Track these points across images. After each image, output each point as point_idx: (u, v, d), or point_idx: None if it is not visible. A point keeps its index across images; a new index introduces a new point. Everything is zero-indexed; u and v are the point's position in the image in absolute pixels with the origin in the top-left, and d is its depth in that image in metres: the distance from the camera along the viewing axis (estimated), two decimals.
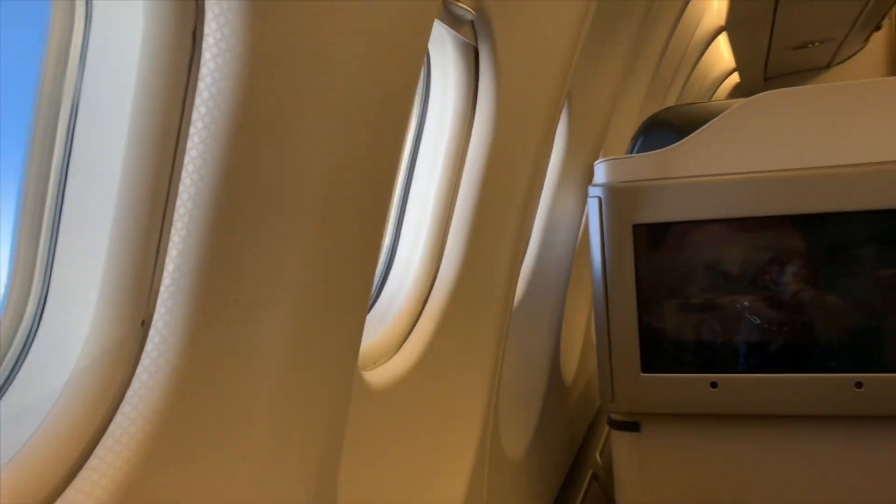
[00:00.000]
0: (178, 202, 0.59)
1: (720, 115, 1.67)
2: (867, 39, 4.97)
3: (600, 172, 1.77)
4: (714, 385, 1.65)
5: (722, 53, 4.66)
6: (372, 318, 1.29)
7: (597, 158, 2.05)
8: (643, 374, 1.70)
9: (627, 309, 1.70)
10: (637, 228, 1.69)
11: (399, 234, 1.34)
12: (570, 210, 2.15)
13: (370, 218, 0.84)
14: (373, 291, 1.33)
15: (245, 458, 0.68)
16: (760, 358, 1.66)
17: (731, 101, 1.78)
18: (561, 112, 1.61)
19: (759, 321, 1.66)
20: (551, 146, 1.64)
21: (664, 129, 1.78)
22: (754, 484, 1.69)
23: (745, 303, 1.66)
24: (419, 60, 0.88)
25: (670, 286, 1.71)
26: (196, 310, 0.60)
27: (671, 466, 1.74)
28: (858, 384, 1.57)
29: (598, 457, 2.61)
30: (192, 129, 0.59)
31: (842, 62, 5.55)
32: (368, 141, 0.77)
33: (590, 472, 2.49)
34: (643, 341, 1.70)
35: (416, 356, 1.27)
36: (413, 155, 1.33)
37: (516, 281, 1.57)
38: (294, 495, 0.78)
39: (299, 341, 0.74)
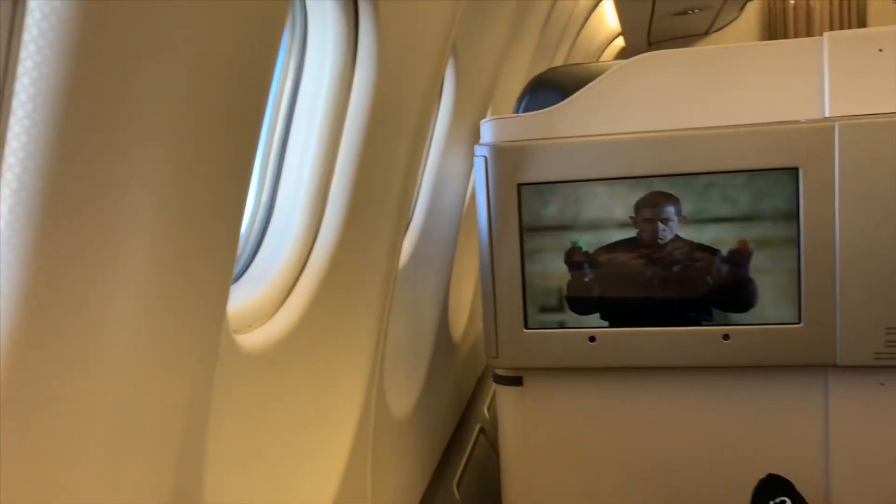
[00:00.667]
0: (8, 151, 0.53)
1: (601, 76, 1.69)
2: (742, 9, 5.21)
3: (486, 131, 1.77)
4: (592, 339, 1.70)
5: (608, 18, 4.75)
6: (248, 280, 1.25)
7: (484, 117, 2.05)
8: (526, 331, 1.73)
9: (511, 266, 1.72)
10: (522, 188, 1.71)
11: (277, 191, 1.29)
12: (459, 169, 2.14)
13: (233, 171, 0.80)
14: (249, 251, 1.28)
15: (90, 436, 0.64)
16: (636, 313, 1.72)
17: (613, 62, 1.81)
18: (446, 67, 1.59)
19: (636, 278, 1.71)
20: (436, 102, 1.62)
21: (548, 88, 1.79)
22: (631, 432, 1.76)
23: (624, 260, 1.71)
24: (284, 10, 0.83)
25: (552, 244, 1.74)
26: (29, 278, 0.55)
27: (552, 418, 1.79)
28: (726, 336, 1.66)
29: (485, 411, 2.66)
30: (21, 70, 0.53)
31: (719, 29, 5.80)
32: (227, 94, 0.72)
33: (478, 426, 2.54)
34: (526, 298, 1.73)
35: (297, 317, 1.24)
36: (290, 110, 1.28)
37: (402, 239, 1.55)
38: (153, 471, 0.74)
39: (154, 303, 0.69)
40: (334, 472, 1.36)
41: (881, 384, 1.66)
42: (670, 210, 1.70)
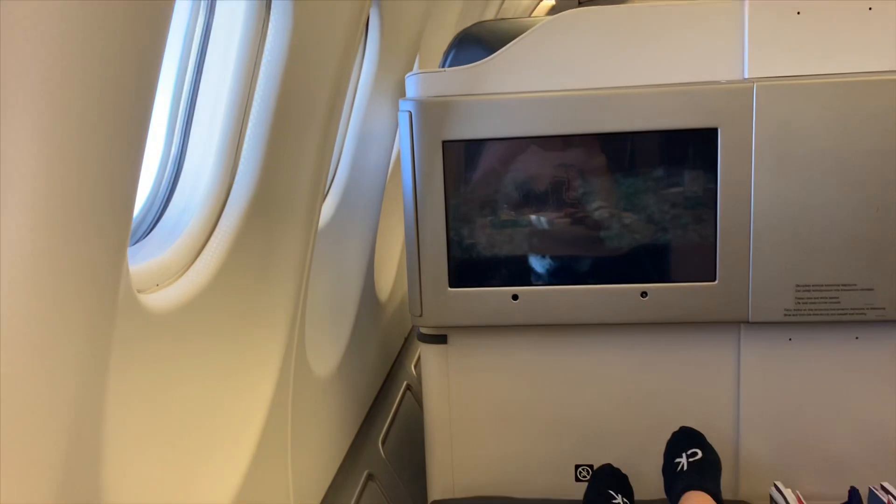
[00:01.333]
0: None
1: (526, 33, 1.67)
2: None
3: (411, 86, 1.73)
4: (515, 297, 1.71)
5: None
6: (156, 237, 1.20)
7: (411, 71, 2.01)
8: (450, 290, 1.72)
9: (436, 225, 1.70)
10: (447, 144, 1.68)
11: (186, 144, 1.23)
12: (385, 124, 2.10)
13: (129, 114, 0.75)
14: (157, 207, 1.23)
15: None
16: (558, 271, 1.73)
17: (539, 17, 1.79)
18: (366, 16, 1.54)
19: (558, 237, 1.72)
20: (355, 53, 1.57)
21: (475, 43, 1.76)
22: (551, 387, 1.79)
23: (546, 219, 1.72)
24: None
25: (477, 203, 1.73)
26: None
27: (475, 375, 1.80)
28: (643, 294, 1.69)
29: (413, 369, 2.67)
30: None
31: None
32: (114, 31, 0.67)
33: (404, 383, 2.55)
34: (451, 257, 1.72)
35: (209, 276, 1.20)
36: (200, 58, 1.22)
37: (321, 195, 1.51)
38: (39, 447, 0.71)
39: (37, 259, 0.65)
40: (252, 433, 1.34)
41: (790, 339, 1.72)
42: (593, 170, 1.70)
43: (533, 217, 1.73)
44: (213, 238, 1.22)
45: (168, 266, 1.16)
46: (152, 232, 1.20)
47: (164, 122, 1.22)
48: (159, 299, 1.09)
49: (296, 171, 1.38)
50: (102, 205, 0.74)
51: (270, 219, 1.33)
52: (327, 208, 1.84)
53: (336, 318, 1.91)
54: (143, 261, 1.12)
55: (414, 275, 1.73)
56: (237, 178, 1.25)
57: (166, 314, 1.09)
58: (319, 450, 1.71)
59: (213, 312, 1.20)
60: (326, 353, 1.79)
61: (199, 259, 1.20)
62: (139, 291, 1.05)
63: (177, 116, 1.23)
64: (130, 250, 1.16)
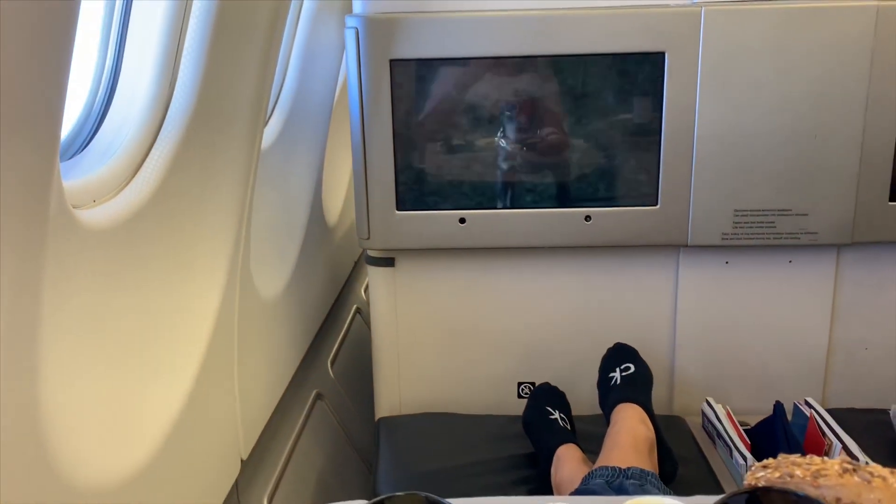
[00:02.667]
0: None
1: None
2: None
3: (358, 1, 1.68)
4: (462, 221, 1.72)
5: None
6: (92, 152, 1.17)
7: None
8: (397, 213, 1.72)
9: (383, 147, 1.69)
10: (394, 64, 1.66)
11: (121, 56, 1.19)
12: (332, 42, 2.05)
13: (49, 21, 0.72)
14: (92, 122, 1.19)
15: None
16: (504, 195, 1.74)
17: None
18: None
19: (505, 161, 1.73)
20: None
21: None
22: (497, 308, 1.83)
23: (493, 142, 1.72)
24: None
25: (425, 125, 1.71)
26: None
27: (422, 297, 1.83)
28: (587, 218, 1.71)
29: (363, 293, 2.68)
30: None
31: None
32: None
33: (354, 307, 2.57)
34: (398, 180, 1.71)
35: (149, 192, 1.17)
36: None
37: (264, 112, 1.48)
38: None
39: None
40: (196, 353, 1.34)
41: (726, 263, 1.78)
42: (541, 96, 1.70)
43: (480, 141, 1.73)
44: (151, 155, 1.19)
45: (105, 182, 1.13)
46: (88, 147, 1.17)
47: (97, 34, 1.17)
48: (96, 215, 1.07)
49: (237, 87, 1.34)
50: (26, 112, 0.71)
51: (212, 136, 1.30)
52: (272, 128, 1.80)
53: (283, 240, 1.90)
54: (78, 176, 1.09)
55: (361, 198, 1.72)
56: (175, 92, 1.21)
57: (104, 231, 1.07)
58: (267, 370, 1.72)
59: (153, 230, 1.18)
60: (273, 274, 1.79)
61: (137, 176, 1.17)
62: (75, 207, 1.03)
63: (111, 28, 1.18)
64: (65, 165, 1.13)
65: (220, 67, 1.25)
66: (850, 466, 0.80)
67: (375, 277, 1.84)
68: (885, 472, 0.80)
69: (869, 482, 0.78)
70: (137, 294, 1.17)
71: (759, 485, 0.82)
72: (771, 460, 0.85)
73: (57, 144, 0.81)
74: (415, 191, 1.74)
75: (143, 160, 1.19)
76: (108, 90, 1.19)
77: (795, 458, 0.84)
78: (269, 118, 1.83)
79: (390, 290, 1.83)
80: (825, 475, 0.80)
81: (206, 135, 1.27)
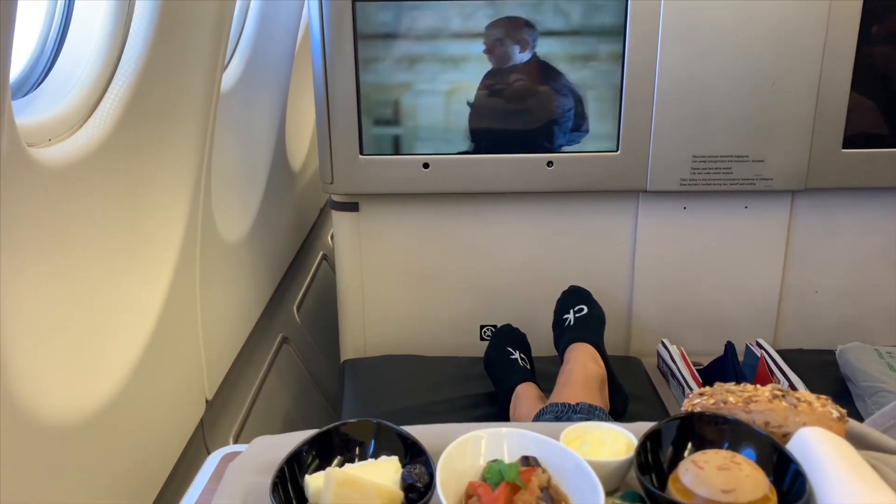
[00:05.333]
0: None
1: None
2: None
3: None
4: (426, 166, 1.73)
5: None
6: (47, 90, 1.15)
7: None
8: (361, 157, 1.73)
9: (346, 89, 1.68)
10: (357, 4, 1.64)
11: None
12: None
13: None
14: (46, 59, 1.17)
15: None
16: (468, 140, 1.75)
17: None
18: None
19: (468, 106, 1.73)
20: None
21: None
22: (459, 252, 1.85)
23: (457, 87, 1.72)
24: None
25: (388, 67, 1.71)
26: None
27: (386, 241, 1.84)
28: (550, 163, 1.73)
29: (329, 239, 2.69)
30: None
31: None
32: None
33: (320, 253, 2.58)
34: (361, 124, 1.71)
35: (106, 132, 1.17)
36: None
37: (223, 55, 1.47)
38: None
39: None
40: (158, 293, 1.35)
41: (684, 208, 1.82)
42: (508, 37, 1.70)
43: (445, 85, 1.73)
44: (107, 94, 1.18)
45: (60, 121, 1.12)
46: (41, 85, 1.16)
47: None
48: (52, 154, 1.06)
49: (195, 26, 1.33)
50: None
51: (169, 76, 1.29)
52: (232, 72, 1.79)
53: (245, 184, 1.90)
54: (32, 115, 1.08)
55: (324, 141, 1.72)
56: (131, 30, 1.19)
57: (60, 170, 1.06)
58: (231, 314, 1.74)
59: (111, 171, 1.17)
60: (236, 219, 1.79)
61: (93, 115, 1.16)
62: (30, 146, 1.02)
63: None
64: (18, 103, 1.12)
65: (178, 6, 1.23)
66: (779, 393, 0.85)
67: (340, 222, 1.85)
68: (812, 397, 0.85)
69: (795, 407, 0.83)
70: (97, 235, 1.17)
71: (695, 411, 0.87)
72: (707, 388, 0.89)
73: (5, 80, 0.80)
74: (378, 135, 1.74)
75: (100, 99, 1.18)
76: (62, 26, 1.18)
77: (730, 386, 0.89)
78: (230, 62, 1.81)
79: (354, 235, 1.85)
80: (756, 401, 0.84)
81: (164, 75, 1.26)
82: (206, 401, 1.56)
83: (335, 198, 1.83)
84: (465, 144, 1.76)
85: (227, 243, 1.69)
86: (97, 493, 1.12)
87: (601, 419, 1.23)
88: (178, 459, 1.40)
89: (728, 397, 0.86)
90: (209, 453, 1.18)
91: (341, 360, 1.91)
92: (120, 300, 1.25)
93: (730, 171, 1.74)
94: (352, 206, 1.83)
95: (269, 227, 2.01)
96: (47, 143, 1.08)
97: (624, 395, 1.50)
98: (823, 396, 0.87)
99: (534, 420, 1.30)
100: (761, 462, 0.81)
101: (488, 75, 1.71)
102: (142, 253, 1.31)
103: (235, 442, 1.64)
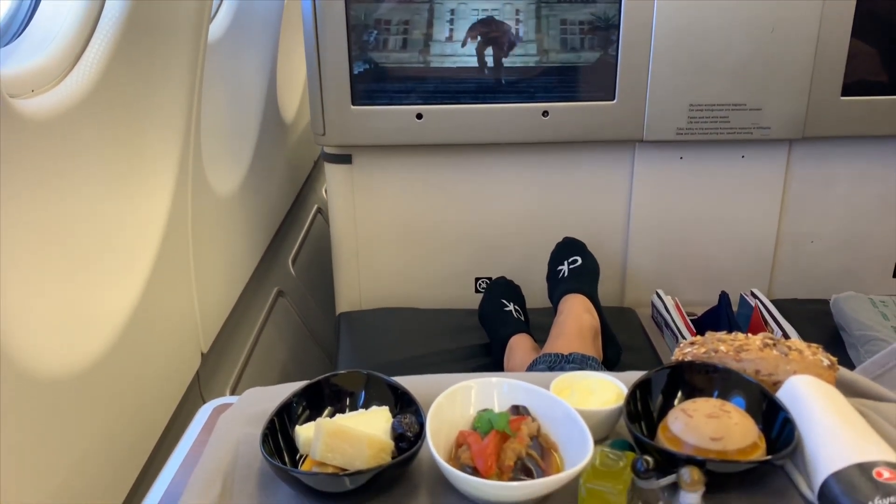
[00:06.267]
0: None
1: None
2: None
3: None
4: (419, 116, 1.71)
5: None
6: (28, 40, 1.13)
7: None
8: (353, 107, 1.70)
9: (337, 38, 1.65)
10: None
11: None
12: None
13: None
14: (27, 7, 1.14)
15: None
16: (462, 90, 1.72)
17: None
18: None
19: (463, 55, 1.70)
20: None
21: None
22: (454, 204, 1.84)
23: (451, 35, 1.69)
24: None
25: (381, 15, 1.67)
26: None
27: (380, 194, 1.83)
28: (545, 113, 1.71)
29: (324, 192, 2.68)
30: None
31: None
32: None
33: (315, 206, 2.57)
34: (353, 73, 1.68)
35: (91, 82, 1.14)
36: None
37: (210, 1, 1.43)
38: None
39: None
40: (150, 246, 1.34)
41: (681, 158, 1.80)
42: None
43: (438, 34, 1.70)
44: (91, 43, 1.16)
45: (43, 71, 1.10)
46: (23, 34, 1.13)
47: None
48: (36, 105, 1.04)
49: None
50: None
51: (155, 25, 1.26)
52: (220, 22, 1.75)
53: (236, 137, 1.88)
54: (14, 65, 1.06)
55: (315, 91, 1.70)
56: None
57: (44, 122, 1.05)
58: (225, 267, 1.73)
59: (97, 123, 1.16)
60: (227, 172, 1.77)
61: (77, 65, 1.14)
62: (11, 97, 1.00)
63: None
64: None
65: None
66: (770, 341, 0.85)
67: (333, 175, 1.84)
68: (803, 346, 0.85)
69: (786, 355, 0.83)
70: (85, 189, 1.16)
71: (685, 360, 0.87)
72: (698, 337, 0.89)
73: None
74: (370, 84, 1.71)
75: (83, 49, 1.15)
76: None
77: (721, 335, 0.89)
78: (217, 12, 1.77)
79: (348, 187, 1.83)
80: (747, 350, 0.84)
81: (149, 24, 1.23)
82: (202, 354, 1.56)
83: (328, 150, 1.81)
84: (459, 94, 1.73)
85: (218, 196, 1.68)
86: (94, 446, 1.13)
87: (594, 369, 1.23)
88: (174, 412, 1.41)
89: (719, 346, 0.86)
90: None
91: (337, 313, 1.91)
92: (111, 254, 1.24)
93: (727, 119, 1.72)
94: (345, 159, 1.81)
95: (262, 181, 1.99)
96: (30, 94, 1.06)
97: (617, 346, 1.51)
98: (814, 345, 0.87)
99: (527, 370, 1.31)
100: (751, 410, 0.81)
101: (482, 23, 1.68)
102: (132, 206, 1.30)
103: (232, 394, 1.65)
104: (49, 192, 1.07)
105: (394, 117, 1.72)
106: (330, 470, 0.75)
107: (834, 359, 0.87)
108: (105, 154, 1.21)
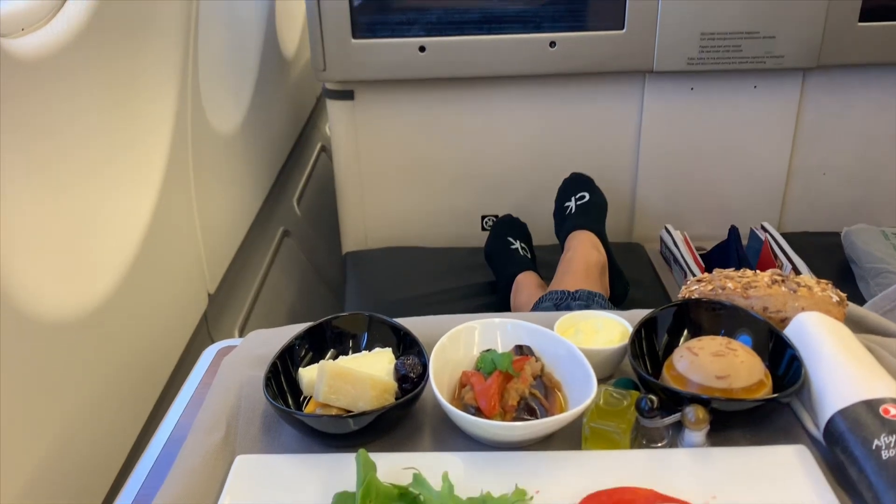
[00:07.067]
0: None
1: None
2: None
3: None
4: (422, 49, 1.66)
5: None
6: None
7: None
8: (354, 41, 1.66)
9: None
10: None
11: None
12: None
13: None
14: None
15: None
16: (466, 21, 1.67)
17: None
18: None
19: None
20: None
21: None
22: (459, 139, 1.81)
23: None
24: None
25: None
26: None
27: (383, 130, 1.80)
28: (552, 43, 1.66)
29: (327, 130, 2.64)
30: None
31: None
32: None
33: (319, 144, 2.54)
34: (354, 5, 1.63)
35: (83, 20, 1.11)
36: None
37: None
38: None
39: None
40: (150, 189, 1.32)
41: (691, 89, 1.75)
42: None
43: None
44: None
45: (34, 9, 1.06)
46: None
47: None
48: (27, 44, 1.01)
49: None
50: None
51: None
52: None
53: (236, 73, 1.83)
54: (3, 4, 1.02)
55: (315, 24, 1.65)
56: None
57: (37, 61, 1.02)
58: (229, 207, 1.72)
59: (90, 60, 1.13)
60: (228, 109, 1.74)
61: (68, 2, 1.10)
62: (1, 36, 0.97)
63: None
64: None
65: None
66: (779, 278, 0.83)
67: (335, 111, 1.80)
68: (812, 282, 0.83)
69: (795, 292, 0.81)
70: (81, 129, 1.13)
71: (692, 297, 0.86)
72: (706, 275, 0.88)
73: None
74: (372, 16, 1.66)
75: None
76: None
77: (729, 272, 0.87)
78: None
79: (350, 124, 1.80)
80: (755, 286, 0.83)
81: None
82: (209, 294, 1.56)
83: (329, 86, 1.77)
84: (463, 25, 1.67)
85: (219, 135, 1.65)
86: (101, 389, 1.14)
87: (600, 306, 1.22)
88: (182, 353, 1.41)
89: (726, 283, 0.85)
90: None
91: (343, 253, 1.91)
92: (111, 195, 1.23)
93: (739, 48, 1.66)
94: (346, 95, 1.77)
95: (264, 118, 1.96)
96: (20, 32, 1.03)
97: (625, 282, 1.50)
98: (824, 280, 0.86)
99: (532, 308, 1.30)
100: (758, 348, 0.80)
101: None
102: (131, 146, 1.28)
103: (241, 334, 1.66)
104: (44, 132, 1.05)
105: (396, 50, 1.67)
106: (333, 412, 0.75)
107: (843, 294, 0.85)
108: (100, 93, 1.18)
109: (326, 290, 2.12)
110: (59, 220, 1.09)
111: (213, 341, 1.55)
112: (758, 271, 0.86)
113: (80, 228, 1.14)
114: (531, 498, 0.68)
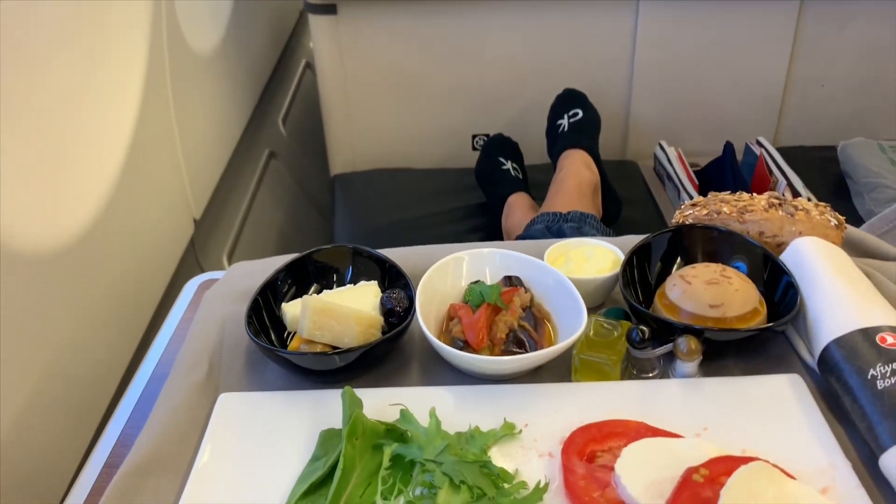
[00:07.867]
0: None
1: None
2: None
3: None
4: None
5: None
6: None
7: None
8: None
9: None
10: None
11: None
12: None
13: None
14: None
15: None
16: None
17: None
18: None
19: None
20: None
21: None
22: (448, 58, 1.74)
23: None
24: None
25: None
26: None
27: (369, 47, 1.73)
28: None
29: (311, 45, 2.55)
30: None
31: None
32: None
33: (303, 61, 2.45)
34: None
35: None
36: None
37: None
38: None
39: None
40: (127, 114, 1.27)
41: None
42: None
43: None
44: None
45: None
46: None
47: None
48: None
49: None
50: None
51: None
52: None
53: None
54: None
55: None
56: None
57: None
58: (211, 129, 1.67)
59: None
60: (206, 27, 1.66)
61: None
62: None
63: None
64: None
65: None
66: (776, 201, 0.80)
67: (317, 27, 1.73)
68: (810, 205, 0.81)
69: (792, 215, 0.79)
70: (50, 58, 1.08)
71: (686, 222, 0.83)
72: (700, 198, 0.85)
73: None
74: None
75: None
76: None
77: (725, 195, 0.84)
78: None
79: (334, 41, 1.72)
80: (751, 210, 0.80)
81: None
82: (194, 220, 1.53)
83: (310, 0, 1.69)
84: None
85: (197, 54, 1.58)
86: (87, 322, 1.12)
87: (592, 226, 1.20)
88: (170, 281, 1.39)
89: (722, 207, 0.82)
90: (204, 273, 1.17)
91: (331, 175, 1.86)
92: (86, 123, 1.18)
93: None
94: (329, 9, 1.69)
95: (244, 35, 1.88)
96: None
97: (618, 201, 1.47)
98: (822, 203, 0.83)
99: (524, 229, 1.27)
100: (753, 274, 0.78)
101: None
102: (103, 68, 1.22)
103: (229, 261, 1.64)
104: (12, 65, 1.00)
105: None
106: (318, 348, 0.73)
107: (842, 218, 0.83)
108: (68, 14, 1.12)
109: (316, 213, 2.09)
110: (34, 151, 1.04)
111: (202, 269, 1.53)
112: (754, 194, 0.83)
113: (56, 158, 1.10)
114: (520, 431, 0.68)
